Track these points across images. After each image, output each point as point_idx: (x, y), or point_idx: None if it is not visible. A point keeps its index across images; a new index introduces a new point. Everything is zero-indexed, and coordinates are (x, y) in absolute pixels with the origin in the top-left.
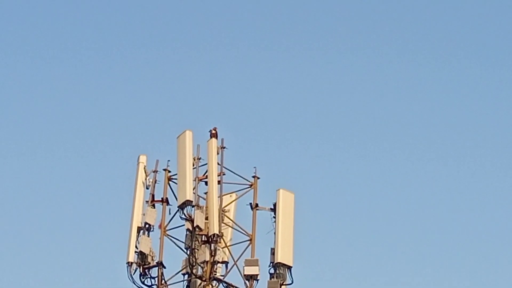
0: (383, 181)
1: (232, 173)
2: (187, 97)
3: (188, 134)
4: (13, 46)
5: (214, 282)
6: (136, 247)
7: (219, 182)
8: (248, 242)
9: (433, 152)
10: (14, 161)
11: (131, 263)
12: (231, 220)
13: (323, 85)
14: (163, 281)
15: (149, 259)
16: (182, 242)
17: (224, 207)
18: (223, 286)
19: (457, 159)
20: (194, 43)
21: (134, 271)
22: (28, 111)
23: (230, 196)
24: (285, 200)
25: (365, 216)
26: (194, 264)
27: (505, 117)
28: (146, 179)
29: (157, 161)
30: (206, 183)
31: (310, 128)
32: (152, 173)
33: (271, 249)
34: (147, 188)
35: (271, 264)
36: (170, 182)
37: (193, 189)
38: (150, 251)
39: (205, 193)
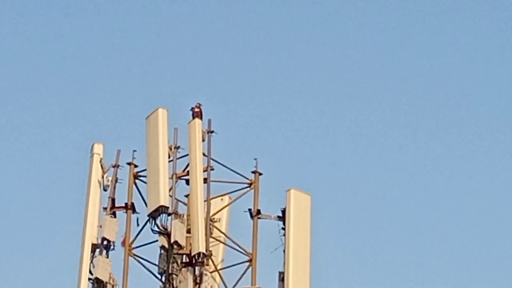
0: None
1: (223, 168)
2: (159, 65)
3: (162, 114)
4: None
5: None
6: (90, 272)
7: (205, 180)
8: (247, 263)
9: (461, 153)
10: None
11: None
12: (222, 233)
13: (349, 66)
14: None
15: None
16: (155, 264)
17: (213, 215)
18: None
19: (490, 166)
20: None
21: None
22: None
23: (222, 199)
24: (299, 205)
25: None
26: None
27: None
28: (103, 177)
29: (119, 151)
30: (187, 181)
31: (329, 108)
32: (112, 169)
33: (279, 273)
34: (105, 190)
35: None
36: (137, 180)
37: (169, 190)
38: (110, 278)
39: (186, 195)
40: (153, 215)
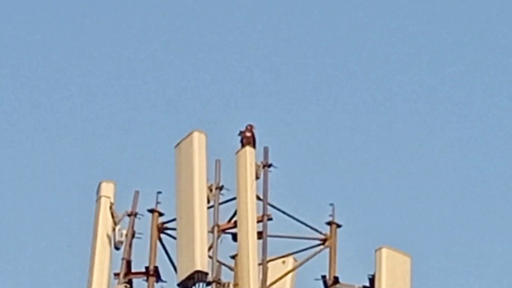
0: None
1: (286, 217)
2: (194, 73)
3: (198, 139)
4: None
5: None
6: None
7: (260, 234)
8: None
9: None
10: None
11: None
12: None
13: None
14: None
15: None
16: None
17: (271, 285)
18: None
19: None
20: None
21: None
22: None
23: (284, 262)
24: (394, 270)
25: None
26: None
27: None
28: (114, 230)
29: (137, 193)
30: (234, 237)
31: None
32: (127, 218)
33: None
34: (117, 248)
35: None
36: (162, 235)
37: (209, 249)
38: None
39: (233, 256)
40: (186, 284)
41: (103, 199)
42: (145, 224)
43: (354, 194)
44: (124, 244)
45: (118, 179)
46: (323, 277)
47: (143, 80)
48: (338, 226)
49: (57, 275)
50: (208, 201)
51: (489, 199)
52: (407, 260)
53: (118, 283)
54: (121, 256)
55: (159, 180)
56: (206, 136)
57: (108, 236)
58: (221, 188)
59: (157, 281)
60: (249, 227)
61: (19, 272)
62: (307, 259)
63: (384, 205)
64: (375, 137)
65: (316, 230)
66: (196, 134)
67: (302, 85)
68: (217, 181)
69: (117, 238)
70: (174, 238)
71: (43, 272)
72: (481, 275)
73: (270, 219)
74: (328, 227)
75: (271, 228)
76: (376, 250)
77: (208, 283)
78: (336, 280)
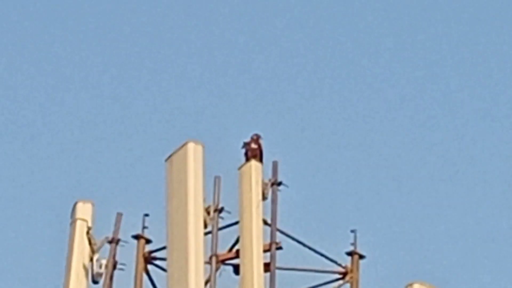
0: None
1: (298, 245)
2: (187, 77)
3: (194, 151)
4: None
5: None
6: None
7: (267, 266)
8: None
9: None
10: None
11: None
12: None
13: None
14: None
15: None
16: None
17: None
18: None
19: None
20: None
21: None
22: None
23: None
24: None
25: None
26: None
27: None
28: (92, 260)
29: (119, 216)
30: (235, 269)
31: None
32: (108, 245)
33: None
34: (95, 282)
35: None
36: (150, 266)
37: (206, 284)
38: None
39: None
40: None
41: (79, 222)
42: (129, 253)
43: (380, 220)
44: (103, 276)
45: (97, 199)
46: None
47: (128, 83)
48: (361, 257)
49: None
50: (205, 226)
51: None
52: None
53: None
54: None
55: (146, 200)
56: (203, 147)
57: (84, 267)
58: (220, 210)
59: None
60: (254, 257)
61: None
62: None
63: (414, 233)
64: (407, 150)
65: (335, 262)
66: (191, 145)
67: (317, 90)
68: (216, 201)
69: (96, 270)
70: (164, 270)
71: None
72: None
73: (279, 248)
74: (348, 258)
75: (281, 258)
76: (406, 287)
77: None
78: None
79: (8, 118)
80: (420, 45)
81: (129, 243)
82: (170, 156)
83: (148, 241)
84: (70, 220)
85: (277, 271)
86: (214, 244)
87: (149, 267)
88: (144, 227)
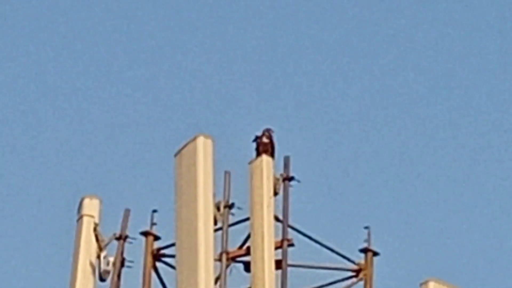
0: None
1: (310, 242)
2: (196, 69)
3: (204, 145)
4: None
5: None
6: None
7: (279, 264)
8: None
9: None
10: None
11: None
12: None
13: None
14: None
15: None
16: None
17: None
18: None
19: None
20: None
21: None
22: None
23: None
24: None
25: None
26: None
27: None
28: (99, 257)
29: (127, 212)
30: (246, 266)
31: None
32: (115, 242)
33: None
34: (102, 280)
35: None
36: (158, 263)
37: (216, 281)
38: None
39: None
40: None
41: (86, 219)
42: (137, 250)
43: (394, 216)
44: (111, 274)
45: (104, 195)
46: None
47: (136, 77)
48: (375, 254)
49: None
50: (215, 223)
51: None
52: None
53: None
54: None
55: (154, 196)
56: (213, 141)
57: (91, 264)
58: (231, 206)
59: None
60: (265, 254)
61: None
62: None
63: (429, 230)
64: (422, 145)
65: (348, 259)
66: (201, 140)
67: (330, 84)
68: (227, 197)
69: (103, 267)
70: (173, 267)
71: None
72: None
73: (291, 244)
74: (362, 255)
75: (293, 256)
76: (421, 284)
77: None
78: None
79: (14, 112)
80: (435, 29)
81: (137, 239)
82: (179, 151)
83: (156, 238)
84: (77, 217)
85: (288, 269)
86: (224, 240)
87: (158, 264)
88: (152, 224)
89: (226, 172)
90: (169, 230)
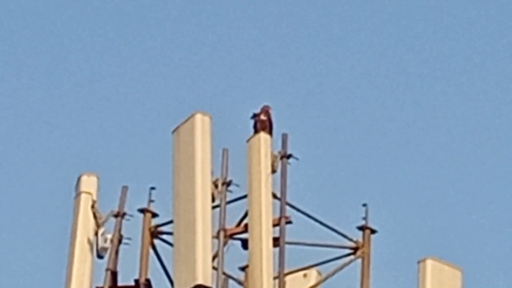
0: None
1: (308, 219)
2: (193, 45)
3: (202, 123)
4: None
5: None
6: None
7: (276, 241)
8: None
9: None
10: None
11: None
12: None
13: None
14: None
15: None
16: None
17: None
18: None
19: None
20: None
21: None
22: None
23: (305, 275)
24: (441, 286)
25: None
26: None
27: None
28: (97, 234)
29: (124, 189)
30: (244, 243)
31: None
32: (113, 219)
33: None
34: (100, 257)
35: None
36: (156, 240)
37: (213, 258)
38: None
39: (243, 268)
40: None
41: (83, 196)
42: (135, 227)
43: (392, 193)
44: (109, 251)
45: (102, 172)
46: None
47: (134, 54)
48: (373, 231)
49: None
50: (213, 200)
51: None
52: (457, 274)
53: None
54: (105, 267)
55: (152, 174)
56: (211, 119)
57: (89, 241)
58: (229, 183)
59: None
60: (263, 232)
61: None
62: (334, 272)
63: (427, 207)
64: (420, 121)
65: (346, 237)
66: (198, 117)
67: (329, 61)
68: (224, 174)
69: (101, 244)
70: (171, 244)
71: (9, 287)
72: None
73: (289, 222)
74: (360, 232)
75: (290, 233)
76: (419, 262)
77: None
78: None
79: (10, 89)
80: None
81: (135, 217)
82: (177, 128)
83: (154, 215)
84: (74, 194)
85: (286, 246)
86: (222, 218)
87: (156, 241)
88: (150, 201)
89: (224, 150)
90: (167, 208)
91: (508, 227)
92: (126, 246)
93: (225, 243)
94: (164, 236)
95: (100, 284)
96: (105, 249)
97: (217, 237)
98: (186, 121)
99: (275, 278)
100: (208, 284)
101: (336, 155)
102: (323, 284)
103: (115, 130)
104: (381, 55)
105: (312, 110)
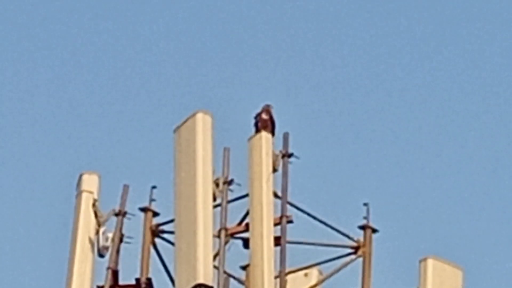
0: None
1: (309, 219)
2: (194, 45)
3: (203, 121)
4: None
5: None
6: None
7: (277, 240)
8: None
9: None
10: None
11: None
12: None
13: None
14: None
15: None
16: None
17: None
18: None
19: None
20: None
21: None
22: None
23: (306, 274)
24: (442, 285)
25: None
26: None
27: None
28: (98, 232)
29: (126, 188)
30: (245, 242)
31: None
32: (114, 218)
33: None
34: (101, 256)
35: None
36: (157, 239)
37: (214, 257)
38: None
39: (244, 267)
40: None
41: (84, 195)
42: (136, 226)
43: (393, 193)
44: (110, 250)
45: (103, 170)
46: None
47: (135, 51)
48: (374, 231)
49: None
50: (214, 199)
51: None
52: (458, 274)
53: None
54: (106, 265)
55: (153, 172)
56: (213, 118)
57: (90, 240)
58: (230, 182)
59: None
60: (264, 231)
61: None
62: (335, 271)
63: (428, 207)
64: (422, 121)
65: (347, 236)
66: (200, 116)
67: (330, 59)
68: (226, 173)
69: (102, 243)
70: (172, 243)
71: (10, 286)
72: None
73: (290, 221)
74: (361, 232)
75: (291, 232)
76: (420, 261)
77: None
78: None
79: (11, 89)
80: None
81: (136, 216)
82: (178, 127)
83: (155, 214)
84: (75, 192)
85: (287, 245)
86: (223, 217)
87: (157, 240)
88: (151, 200)
89: (225, 149)
90: (168, 206)
91: (509, 227)
92: (127, 245)
93: (226, 242)
94: (165, 235)
95: (101, 283)
96: (106, 248)
97: (218, 236)
98: (187, 120)
99: (276, 277)
100: (209, 283)
101: (337, 154)
102: (324, 283)
103: (117, 129)
104: (383, 54)
105: (314, 109)
